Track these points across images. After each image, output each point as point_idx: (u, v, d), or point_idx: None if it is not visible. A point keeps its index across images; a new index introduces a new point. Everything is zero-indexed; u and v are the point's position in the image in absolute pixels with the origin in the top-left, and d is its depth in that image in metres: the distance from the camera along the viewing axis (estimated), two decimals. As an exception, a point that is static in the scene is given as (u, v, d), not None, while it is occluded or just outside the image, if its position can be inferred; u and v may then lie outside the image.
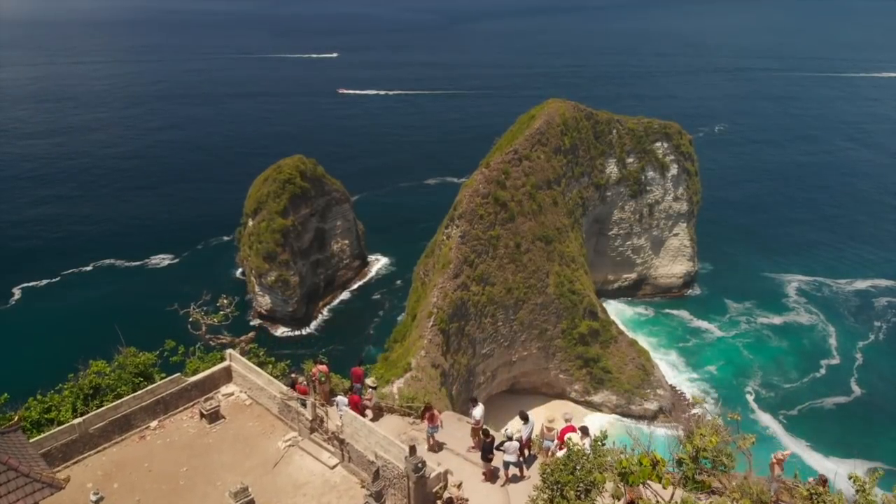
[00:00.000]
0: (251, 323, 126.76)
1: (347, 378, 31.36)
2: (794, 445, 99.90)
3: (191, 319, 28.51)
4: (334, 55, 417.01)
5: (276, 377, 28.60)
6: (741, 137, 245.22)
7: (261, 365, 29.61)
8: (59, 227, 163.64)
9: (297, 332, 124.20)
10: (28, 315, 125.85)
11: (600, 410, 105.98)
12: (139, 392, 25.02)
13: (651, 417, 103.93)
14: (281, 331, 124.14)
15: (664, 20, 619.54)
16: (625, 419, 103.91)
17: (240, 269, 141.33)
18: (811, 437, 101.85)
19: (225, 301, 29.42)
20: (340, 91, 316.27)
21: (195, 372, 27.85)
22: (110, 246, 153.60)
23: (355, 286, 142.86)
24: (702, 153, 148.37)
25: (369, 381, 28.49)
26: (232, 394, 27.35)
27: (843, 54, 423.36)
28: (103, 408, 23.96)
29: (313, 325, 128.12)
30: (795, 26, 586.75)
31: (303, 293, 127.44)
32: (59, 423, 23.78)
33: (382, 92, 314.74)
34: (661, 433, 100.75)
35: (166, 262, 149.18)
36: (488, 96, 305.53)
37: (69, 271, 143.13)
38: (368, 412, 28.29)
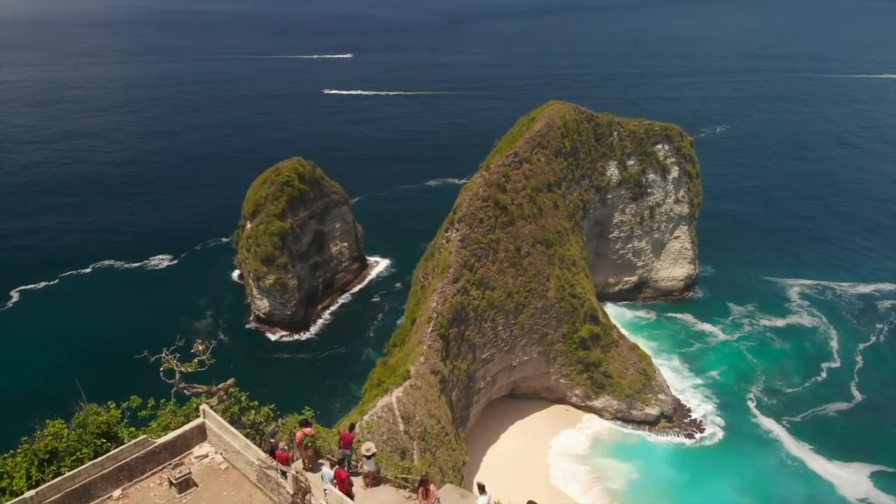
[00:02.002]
0: (247, 326, 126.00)
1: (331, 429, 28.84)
2: (797, 450, 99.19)
3: (163, 368, 25.36)
4: (348, 56, 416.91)
5: (260, 423, 26.53)
6: (743, 139, 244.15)
7: (243, 410, 27.33)
8: (59, 230, 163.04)
9: (295, 337, 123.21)
10: (16, 326, 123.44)
11: (601, 415, 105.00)
12: (100, 458, 22.61)
13: (652, 423, 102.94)
14: (279, 335, 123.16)
15: (664, 22, 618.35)
16: (626, 426, 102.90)
17: (237, 272, 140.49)
18: (814, 441, 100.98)
19: (200, 347, 26.50)
20: (326, 91, 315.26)
21: (166, 428, 25.42)
22: (110, 248, 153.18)
23: (354, 289, 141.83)
24: (703, 155, 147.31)
25: (364, 448, 25.45)
26: (206, 455, 24.67)
27: (845, 55, 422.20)
28: (59, 478, 21.79)
29: (312, 328, 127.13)
30: (798, 27, 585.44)
31: (301, 296, 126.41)
32: (13, 493, 21.70)
33: (369, 92, 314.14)
34: (664, 440, 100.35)
35: (165, 264, 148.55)
36: (489, 97, 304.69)
37: (67, 273, 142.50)
38: (359, 482, 25.67)
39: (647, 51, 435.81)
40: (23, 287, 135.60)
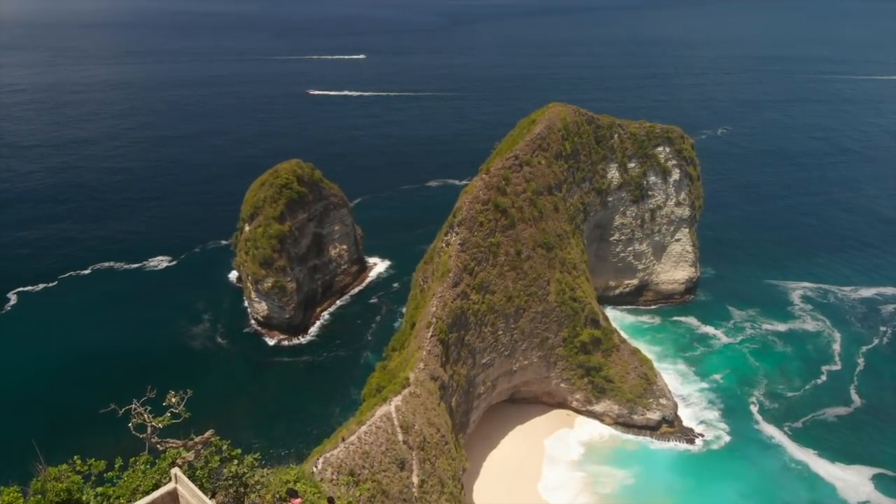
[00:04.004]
0: (245, 330, 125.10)
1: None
2: (800, 453, 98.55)
3: (132, 423, 22.58)
4: (361, 56, 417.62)
5: (244, 474, 24.60)
6: (745, 141, 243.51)
7: (224, 461, 25.15)
8: (59, 231, 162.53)
9: (294, 341, 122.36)
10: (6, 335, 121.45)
11: (601, 420, 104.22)
12: None
13: (653, 428, 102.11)
14: (277, 338, 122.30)
15: (664, 23, 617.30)
16: (627, 431, 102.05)
17: (236, 273, 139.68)
18: (817, 444, 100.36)
19: (174, 399, 23.37)
20: (310, 92, 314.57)
21: (134, 492, 22.78)
22: (109, 250, 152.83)
23: (354, 291, 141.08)
24: (704, 156, 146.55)
25: None
26: None
27: (847, 56, 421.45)
28: None
29: (311, 332, 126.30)
30: (799, 29, 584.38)
31: (300, 299, 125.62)
32: None
33: (354, 93, 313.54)
34: (664, 446, 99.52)
35: (164, 265, 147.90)
36: (489, 99, 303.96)
37: (67, 275, 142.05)
38: None
39: (648, 52, 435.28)
40: (21, 289, 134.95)
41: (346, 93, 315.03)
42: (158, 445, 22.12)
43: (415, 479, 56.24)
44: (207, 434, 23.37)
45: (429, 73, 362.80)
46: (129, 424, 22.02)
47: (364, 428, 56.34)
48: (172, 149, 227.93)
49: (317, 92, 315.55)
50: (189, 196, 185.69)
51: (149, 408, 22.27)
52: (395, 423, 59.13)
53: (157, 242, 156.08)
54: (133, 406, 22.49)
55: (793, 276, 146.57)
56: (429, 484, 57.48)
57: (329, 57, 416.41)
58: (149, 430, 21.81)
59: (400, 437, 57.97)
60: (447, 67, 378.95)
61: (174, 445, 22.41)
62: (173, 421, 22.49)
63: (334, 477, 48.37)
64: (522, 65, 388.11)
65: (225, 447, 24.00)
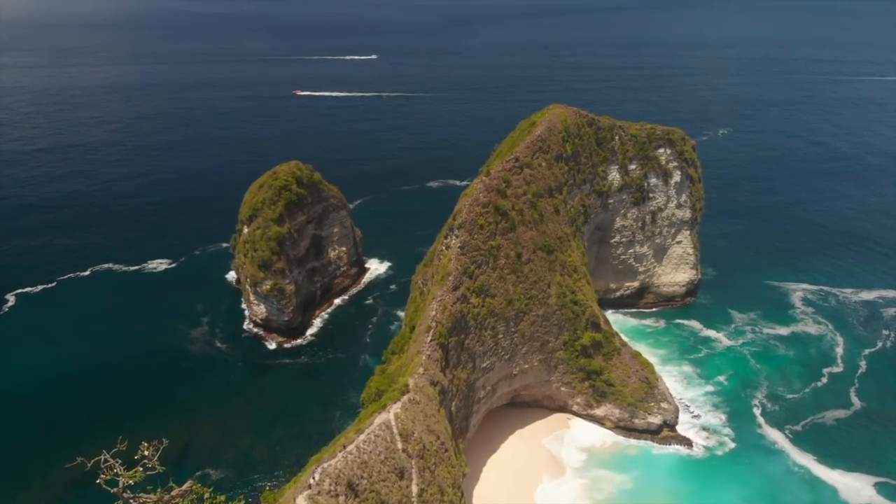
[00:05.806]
0: (243, 333, 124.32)
1: None
2: (802, 458, 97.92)
3: (100, 479, 20.29)
4: (373, 57, 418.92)
5: None
6: (745, 141, 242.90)
7: None
8: (60, 233, 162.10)
9: (292, 343, 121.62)
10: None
11: (602, 424, 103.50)
12: None
13: (654, 431, 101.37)
14: (276, 341, 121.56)
15: (664, 25, 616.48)
16: (628, 435, 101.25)
17: (234, 275, 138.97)
18: (820, 448, 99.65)
19: (146, 451, 21.01)
20: (296, 92, 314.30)
21: None
22: (109, 251, 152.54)
23: (353, 293, 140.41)
24: (705, 158, 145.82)
25: None
26: None
27: (850, 56, 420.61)
28: None
29: (309, 334, 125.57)
30: (801, 29, 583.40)
31: (299, 302, 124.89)
32: None
33: (356, 94, 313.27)
34: (665, 450, 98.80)
35: (163, 268, 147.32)
36: (488, 100, 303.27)
37: (66, 276, 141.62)
38: None
39: (649, 53, 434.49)
40: (20, 290, 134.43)
41: (346, 94, 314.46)
42: (132, 500, 20.51)
43: (414, 489, 55.55)
44: (186, 486, 21.90)
45: (429, 73, 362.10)
46: (98, 480, 20.22)
47: (363, 436, 55.62)
48: (172, 151, 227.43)
49: (314, 93, 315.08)
50: (188, 198, 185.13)
51: (119, 460, 20.21)
52: (395, 431, 58.41)
53: (157, 245, 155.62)
54: (102, 458, 20.51)
55: (794, 278, 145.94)
56: (428, 493, 56.80)
57: (339, 58, 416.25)
58: (121, 484, 20.08)
59: (399, 446, 57.26)
60: (447, 68, 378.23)
61: (148, 500, 20.87)
62: (150, 472, 20.52)
63: (332, 488, 47.64)
64: (523, 66, 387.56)
65: (207, 495, 22.56)
